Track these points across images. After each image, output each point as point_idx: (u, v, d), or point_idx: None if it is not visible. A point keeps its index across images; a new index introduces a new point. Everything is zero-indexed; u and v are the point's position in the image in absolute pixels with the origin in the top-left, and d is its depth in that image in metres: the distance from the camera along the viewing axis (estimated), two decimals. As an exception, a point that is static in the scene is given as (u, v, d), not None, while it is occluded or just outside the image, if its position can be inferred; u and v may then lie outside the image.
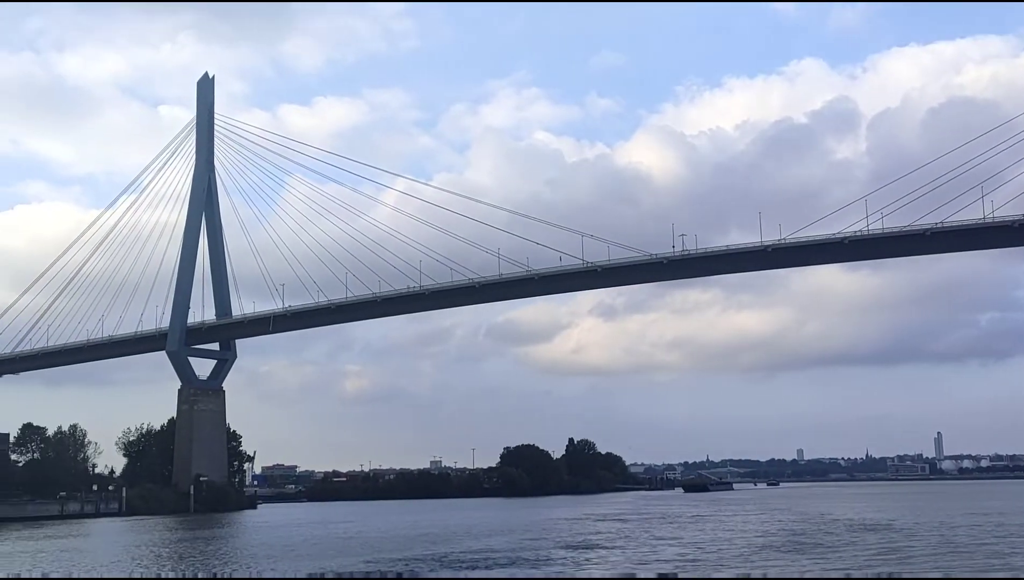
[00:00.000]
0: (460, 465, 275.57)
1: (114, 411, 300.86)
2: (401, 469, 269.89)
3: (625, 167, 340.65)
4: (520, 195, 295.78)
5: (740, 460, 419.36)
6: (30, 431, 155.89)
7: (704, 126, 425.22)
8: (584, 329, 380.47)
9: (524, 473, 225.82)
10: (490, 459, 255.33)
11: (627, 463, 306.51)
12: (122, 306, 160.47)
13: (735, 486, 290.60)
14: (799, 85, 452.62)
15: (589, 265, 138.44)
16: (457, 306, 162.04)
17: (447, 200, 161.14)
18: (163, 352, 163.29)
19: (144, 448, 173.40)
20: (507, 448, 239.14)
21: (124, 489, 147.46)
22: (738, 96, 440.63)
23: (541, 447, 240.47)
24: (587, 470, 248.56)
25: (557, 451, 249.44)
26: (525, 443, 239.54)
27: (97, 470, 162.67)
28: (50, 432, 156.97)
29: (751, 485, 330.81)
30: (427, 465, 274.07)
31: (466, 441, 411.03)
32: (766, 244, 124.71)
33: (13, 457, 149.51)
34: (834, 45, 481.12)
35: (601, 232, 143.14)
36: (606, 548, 63.94)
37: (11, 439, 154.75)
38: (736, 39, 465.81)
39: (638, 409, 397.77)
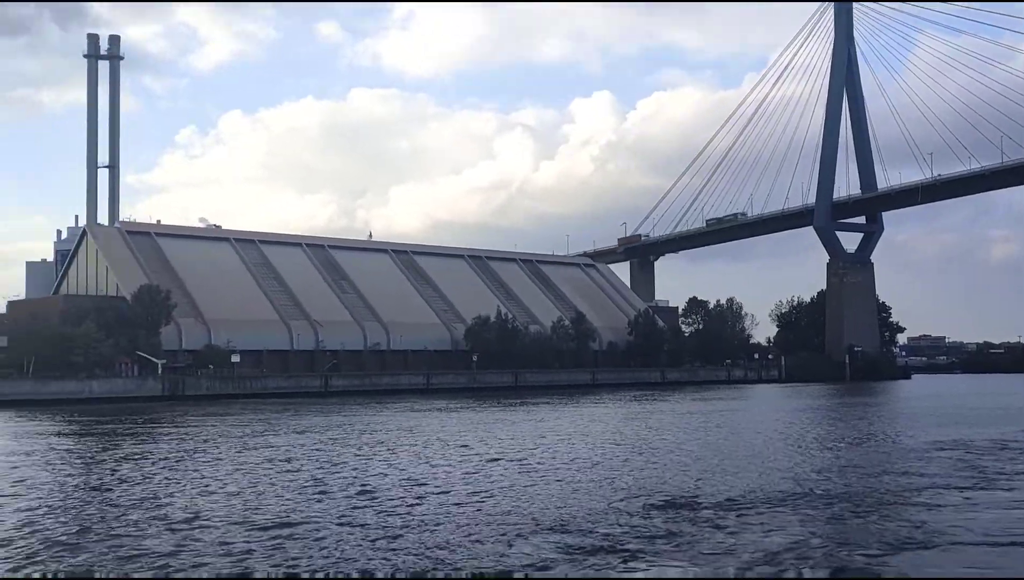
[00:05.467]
0: None
1: (757, 284, 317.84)
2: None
3: None
4: None
5: None
6: (695, 304, 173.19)
7: None
8: None
9: None
10: None
11: None
12: (767, 183, 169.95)
13: None
14: None
15: None
16: None
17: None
18: (807, 228, 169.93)
19: (795, 319, 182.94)
20: None
21: (783, 358, 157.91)
22: None
23: None
24: None
25: None
26: None
27: (752, 341, 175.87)
28: (711, 305, 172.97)
29: None
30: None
31: None
32: None
33: (683, 328, 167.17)
34: None
35: None
36: None
37: (679, 311, 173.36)
38: None
39: None
